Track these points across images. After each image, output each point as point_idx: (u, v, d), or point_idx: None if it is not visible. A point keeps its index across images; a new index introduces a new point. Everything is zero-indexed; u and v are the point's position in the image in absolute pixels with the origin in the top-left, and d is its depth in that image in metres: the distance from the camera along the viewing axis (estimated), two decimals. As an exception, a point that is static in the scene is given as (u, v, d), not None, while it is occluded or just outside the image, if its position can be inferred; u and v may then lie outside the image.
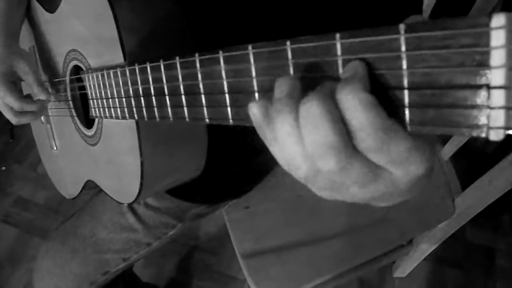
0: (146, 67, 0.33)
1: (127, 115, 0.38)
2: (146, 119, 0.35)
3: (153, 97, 0.33)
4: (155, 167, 0.42)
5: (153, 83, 0.32)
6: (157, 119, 0.33)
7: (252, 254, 0.64)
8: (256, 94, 0.24)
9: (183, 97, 0.30)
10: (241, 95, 0.25)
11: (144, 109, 0.35)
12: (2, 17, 0.52)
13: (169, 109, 0.31)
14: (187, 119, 0.30)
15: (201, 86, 0.28)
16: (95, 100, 0.44)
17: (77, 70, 0.51)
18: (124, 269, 0.60)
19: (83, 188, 0.61)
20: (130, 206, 0.57)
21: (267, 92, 0.23)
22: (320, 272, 0.64)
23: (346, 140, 0.17)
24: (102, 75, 0.40)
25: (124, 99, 0.37)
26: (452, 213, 0.78)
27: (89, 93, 0.45)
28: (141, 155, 0.40)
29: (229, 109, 0.26)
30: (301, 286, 0.63)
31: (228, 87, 0.26)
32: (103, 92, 0.41)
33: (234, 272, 1.11)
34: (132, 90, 0.36)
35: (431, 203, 0.78)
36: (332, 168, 0.18)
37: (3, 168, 1.36)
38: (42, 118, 0.65)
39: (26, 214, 1.26)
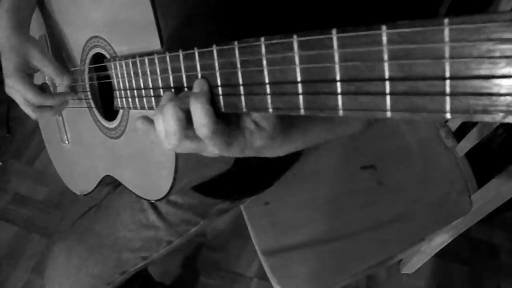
0: (194, 53, 0.30)
1: (164, 106, 0.35)
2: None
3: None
4: (189, 161, 0.40)
5: (201, 70, 0.30)
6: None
7: (273, 251, 0.62)
8: (338, 84, 0.22)
9: (241, 86, 0.27)
10: (319, 84, 0.23)
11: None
12: (13, 5, 0.48)
13: (220, 97, 0.29)
14: (244, 110, 0.27)
15: (265, 73, 0.25)
16: (122, 90, 0.41)
17: (97, 58, 0.48)
18: (142, 268, 0.57)
19: (98, 184, 0.58)
20: (151, 203, 0.54)
21: (352, 81, 0.22)
22: (344, 269, 0.63)
23: (182, 129, 0.28)
24: (134, 63, 0.37)
25: (161, 89, 0.35)
26: (469, 209, 0.78)
27: (115, 82, 0.42)
28: (176, 148, 0.37)
29: (301, 97, 0.24)
30: (325, 284, 0.62)
31: (302, 74, 0.23)
32: (133, 81, 0.38)
33: (241, 269, 1.10)
34: (173, 78, 0.33)
35: (449, 199, 0.78)
36: (174, 144, 0.29)
37: (0, 163, 1.31)
38: None
39: (24, 211, 1.22)
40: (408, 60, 0.19)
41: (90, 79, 0.51)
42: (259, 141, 0.29)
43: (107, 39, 0.43)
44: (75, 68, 0.52)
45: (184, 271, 1.10)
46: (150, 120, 0.32)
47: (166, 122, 0.29)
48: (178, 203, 0.54)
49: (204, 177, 0.45)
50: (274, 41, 0.24)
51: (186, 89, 0.32)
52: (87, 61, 0.49)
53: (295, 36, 0.23)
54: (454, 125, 0.87)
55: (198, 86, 0.29)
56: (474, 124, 0.81)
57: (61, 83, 0.50)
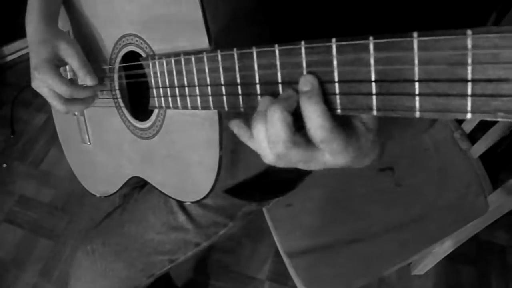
0: (251, 52, 0.30)
1: (211, 105, 0.35)
2: (241, 109, 0.32)
3: (258, 85, 0.30)
4: (232, 160, 0.39)
5: (259, 70, 0.30)
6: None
7: (297, 253, 0.62)
8: (417, 84, 0.22)
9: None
10: (394, 84, 0.23)
11: (240, 98, 0.32)
12: None
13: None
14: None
15: (335, 73, 0.25)
16: (161, 89, 0.40)
17: (126, 57, 0.48)
18: (167, 271, 0.57)
19: (123, 185, 0.57)
20: (180, 204, 0.53)
21: (431, 82, 0.22)
22: (367, 270, 0.63)
23: (291, 136, 0.26)
24: (177, 61, 0.37)
25: (209, 87, 0.34)
26: (486, 210, 0.78)
27: (152, 81, 0.41)
28: (221, 148, 0.37)
29: (374, 98, 0.24)
30: (349, 285, 0.62)
31: (376, 74, 0.23)
32: (175, 80, 0.38)
33: (253, 271, 1.09)
34: (224, 77, 0.33)
35: (466, 200, 0.78)
36: (280, 153, 0.26)
37: (4, 165, 1.29)
38: None
39: (30, 213, 1.20)
40: (491, 64, 0.20)
41: (120, 78, 0.50)
42: (368, 144, 0.27)
43: (144, 37, 0.43)
44: (105, 67, 0.51)
45: (195, 274, 1.09)
46: (246, 125, 0.29)
47: (272, 129, 0.25)
48: (208, 205, 0.53)
49: (241, 178, 0.44)
50: (346, 42, 0.24)
51: (258, 86, 0.30)
52: (118, 59, 0.48)
53: (371, 38, 0.23)
54: (468, 128, 0.88)
55: (308, 83, 0.25)
56: (487, 127, 0.82)
57: (84, 80, 0.48)
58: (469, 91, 0.21)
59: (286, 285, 1.06)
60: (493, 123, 0.82)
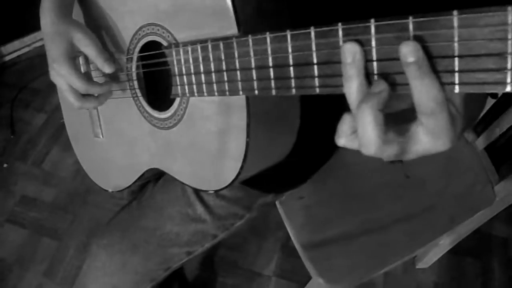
0: (285, 35, 0.30)
1: (240, 90, 0.35)
2: (273, 92, 0.32)
3: (291, 67, 0.30)
4: (256, 149, 0.39)
5: (292, 52, 0.30)
6: (293, 92, 0.31)
7: (312, 245, 0.62)
8: (456, 60, 0.23)
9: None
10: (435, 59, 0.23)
11: (272, 81, 0.32)
12: None
13: (316, 80, 0.29)
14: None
15: (373, 53, 0.26)
16: (184, 77, 0.40)
17: (146, 48, 0.47)
18: (183, 264, 0.56)
19: (138, 179, 0.56)
20: (199, 195, 0.53)
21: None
22: (383, 260, 0.63)
23: (383, 136, 0.25)
24: (204, 48, 0.37)
25: (238, 72, 0.35)
26: (493, 200, 0.80)
27: (176, 69, 0.41)
28: (248, 135, 0.37)
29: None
30: (366, 276, 0.62)
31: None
32: (201, 67, 0.38)
33: (259, 268, 1.09)
34: (255, 61, 0.33)
35: (474, 190, 0.79)
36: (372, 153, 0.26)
37: (5, 165, 1.27)
38: None
39: (33, 213, 1.18)
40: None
41: (137, 68, 0.50)
42: (460, 126, 0.27)
43: (166, 26, 0.43)
44: (124, 57, 0.51)
45: (201, 271, 1.08)
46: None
47: (363, 132, 0.25)
48: (226, 196, 0.53)
49: (262, 167, 0.45)
50: (385, 22, 0.25)
51: (291, 68, 0.29)
52: (137, 49, 0.48)
53: (410, 17, 0.24)
54: (472, 120, 0.89)
55: (414, 52, 0.23)
56: (492, 119, 0.83)
57: (102, 67, 0.47)
58: (509, 65, 0.22)
59: (292, 281, 1.06)
60: (496, 115, 0.83)
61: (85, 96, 0.47)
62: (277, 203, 0.67)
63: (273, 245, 1.11)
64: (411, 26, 0.24)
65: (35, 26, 1.56)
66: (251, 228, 1.13)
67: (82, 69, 0.58)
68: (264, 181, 0.52)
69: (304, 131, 0.44)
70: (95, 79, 0.55)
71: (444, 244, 0.99)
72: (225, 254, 1.10)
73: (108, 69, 0.47)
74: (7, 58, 1.52)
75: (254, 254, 1.10)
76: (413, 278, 1.13)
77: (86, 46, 0.47)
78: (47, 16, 0.47)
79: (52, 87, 1.70)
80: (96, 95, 0.49)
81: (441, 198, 0.76)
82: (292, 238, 0.64)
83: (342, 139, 0.28)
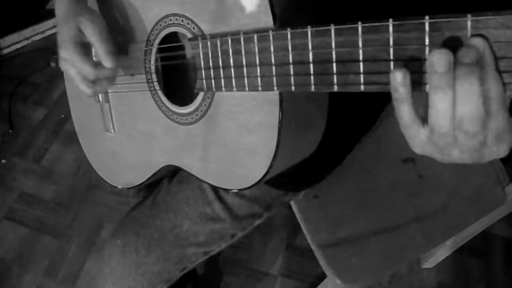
0: (329, 29, 0.29)
1: (274, 85, 0.34)
2: (312, 88, 0.31)
3: (334, 63, 0.29)
4: (285, 147, 0.38)
5: (336, 48, 0.29)
6: (335, 88, 0.30)
7: (328, 244, 0.61)
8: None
9: (391, 62, 0.26)
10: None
11: (312, 77, 0.31)
12: None
13: (361, 76, 0.28)
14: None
15: (426, 51, 0.25)
16: (211, 70, 0.39)
17: (165, 39, 0.46)
18: (199, 264, 0.55)
19: (152, 175, 0.55)
20: (218, 194, 0.52)
21: None
22: (397, 260, 0.63)
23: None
24: (235, 41, 0.35)
25: (273, 67, 0.33)
26: (504, 200, 0.79)
27: (202, 62, 0.39)
28: (279, 133, 0.36)
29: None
30: (381, 275, 0.61)
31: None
32: (231, 60, 0.36)
33: (265, 267, 1.08)
34: (293, 56, 0.31)
35: (485, 190, 0.79)
36: (474, 130, 0.24)
37: (3, 161, 1.24)
38: (100, 96, 0.58)
39: (32, 211, 1.15)
40: None
41: (157, 60, 0.48)
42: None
43: (191, 17, 0.41)
44: (143, 48, 0.49)
45: (206, 270, 1.07)
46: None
47: (468, 103, 0.24)
48: (246, 195, 0.52)
49: (288, 165, 0.43)
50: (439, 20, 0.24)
51: (334, 64, 0.28)
52: (157, 41, 0.46)
53: (469, 16, 0.23)
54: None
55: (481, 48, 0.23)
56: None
57: (102, 60, 0.44)
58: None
59: (298, 280, 1.05)
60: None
61: (96, 81, 0.45)
62: (292, 202, 0.66)
63: (277, 245, 1.10)
64: (469, 24, 0.23)
65: (34, 19, 1.54)
66: (256, 228, 1.12)
67: (95, 59, 0.55)
68: (285, 179, 0.51)
69: (327, 129, 0.43)
70: None
71: (451, 244, 0.99)
72: (230, 253, 1.09)
73: (108, 62, 0.44)
74: (6, 51, 1.48)
75: (259, 253, 1.09)
76: (418, 277, 1.12)
77: (90, 34, 0.44)
78: (61, 3, 0.46)
79: (52, 81, 1.65)
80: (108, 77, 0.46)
81: (453, 198, 0.75)
82: (308, 237, 0.63)
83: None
